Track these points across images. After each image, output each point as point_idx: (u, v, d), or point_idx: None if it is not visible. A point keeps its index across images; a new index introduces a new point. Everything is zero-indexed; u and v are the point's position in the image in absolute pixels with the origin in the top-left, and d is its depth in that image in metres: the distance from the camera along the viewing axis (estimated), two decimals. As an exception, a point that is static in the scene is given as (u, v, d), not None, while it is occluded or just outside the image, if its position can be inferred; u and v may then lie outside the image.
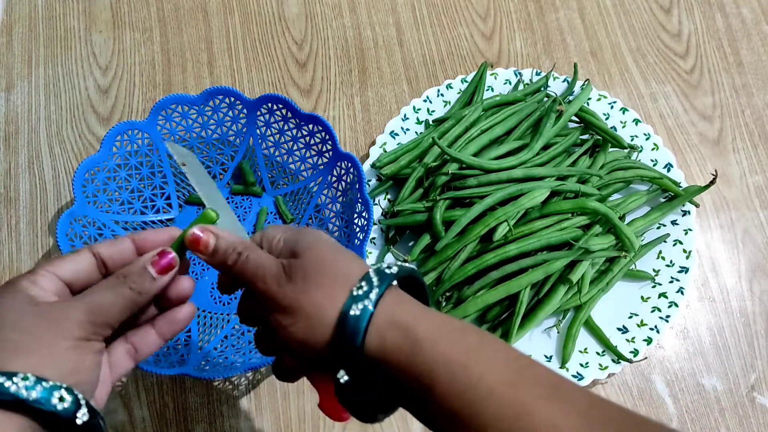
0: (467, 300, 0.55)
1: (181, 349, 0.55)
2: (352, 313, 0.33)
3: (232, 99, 0.60)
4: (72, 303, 0.34)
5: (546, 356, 0.57)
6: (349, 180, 0.59)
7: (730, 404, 0.57)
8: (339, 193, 0.61)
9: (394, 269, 0.35)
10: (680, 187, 0.61)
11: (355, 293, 0.33)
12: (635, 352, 0.56)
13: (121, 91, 0.70)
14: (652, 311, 0.58)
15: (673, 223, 0.61)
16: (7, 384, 0.30)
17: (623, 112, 0.65)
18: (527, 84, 0.67)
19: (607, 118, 0.65)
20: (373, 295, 0.33)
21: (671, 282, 0.59)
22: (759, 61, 0.71)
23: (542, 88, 0.66)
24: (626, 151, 0.63)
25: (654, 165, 0.63)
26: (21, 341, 0.32)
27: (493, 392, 0.30)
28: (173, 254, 0.37)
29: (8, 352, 0.32)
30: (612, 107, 0.65)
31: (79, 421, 0.31)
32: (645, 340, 0.56)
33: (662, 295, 0.58)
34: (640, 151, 0.64)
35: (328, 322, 0.33)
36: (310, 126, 0.60)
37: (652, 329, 0.57)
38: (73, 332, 0.33)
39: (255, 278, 0.35)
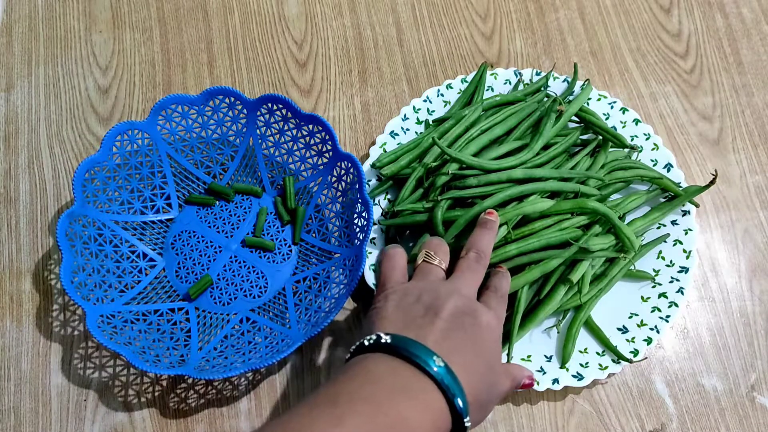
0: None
1: (181, 349, 0.55)
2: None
3: (232, 99, 0.60)
4: None
5: (546, 356, 0.57)
6: (349, 180, 0.59)
7: (730, 404, 0.57)
8: (339, 193, 0.61)
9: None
10: (680, 187, 0.61)
11: None
12: (635, 352, 0.56)
13: (121, 91, 0.70)
14: (652, 311, 0.58)
15: (673, 223, 0.61)
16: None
17: (623, 112, 0.65)
18: (527, 84, 0.67)
19: (607, 118, 0.65)
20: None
21: (671, 282, 0.59)
22: (759, 61, 0.71)
23: (542, 88, 0.66)
24: (626, 151, 0.63)
25: (654, 165, 0.63)
26: None
27: None
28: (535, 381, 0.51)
29: None
30: (612, 107, 0.65)
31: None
32: (645, 340, 0.56)
33: (662, 295, 0.58)
34: (640, 151, 0.64)
35: None
36: (310, 126, 0.60)
37: (652, 329, 0.57)
38: None
39: None
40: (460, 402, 0.39)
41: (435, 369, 0.39)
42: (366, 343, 0.41)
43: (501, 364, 0.46)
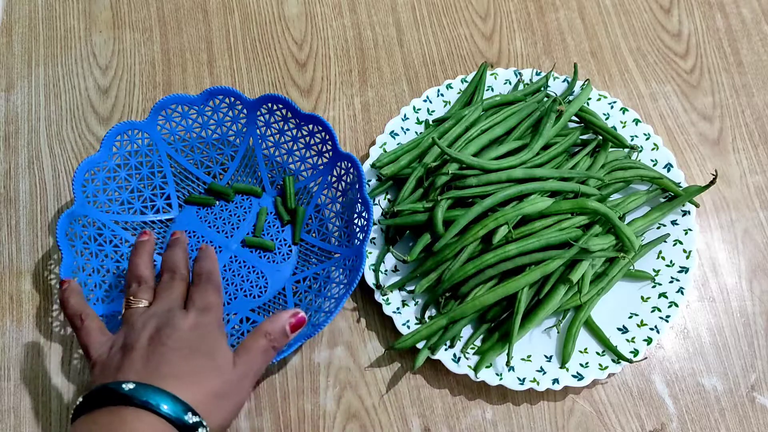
0: (466, 301, 0.55)
1: (181, 349, 0.55)
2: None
3: (232, 99, 0.60)
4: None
5: (546, 356, 0.57)
6: (349, 180, 0.59)
7: (730, 404, 0.57)
8: (339, 193, 0.61)
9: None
10: (680, 187, 0.61)
11: None
12: (635, 352, 0.56)
13: (121, 91, 0.70)
14: (652, 311, 0.58)
15: (673, 223, 0.61)
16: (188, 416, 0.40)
17: (623, 112, 0.65)
18: (527, 84, 0.67)
19: (607, 118, 0.65)
20: None
21: (671, 282, 0.59)
22: (759, 61, 0.71)
23: (542, 88, 0.66)
24: (626, 151, 0.63)
25: (654, 165, 0.63)
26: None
27: None
28: (303, 314, 0.46)
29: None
30: (612, 107, 0.65)
31: None
32: (645, 340, 0.56)
33: (662, 295, 0.58)
34: (640, 151, 0.64)
35: None
36: (310, 126, 0.60)
37: (652, 329, 0.57)
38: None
39: None
40: (164, 407, 0.39)
41: (125, 392, 0.39)
42: (71, 417, 0.42)
43: (226, 349, 0.46)
